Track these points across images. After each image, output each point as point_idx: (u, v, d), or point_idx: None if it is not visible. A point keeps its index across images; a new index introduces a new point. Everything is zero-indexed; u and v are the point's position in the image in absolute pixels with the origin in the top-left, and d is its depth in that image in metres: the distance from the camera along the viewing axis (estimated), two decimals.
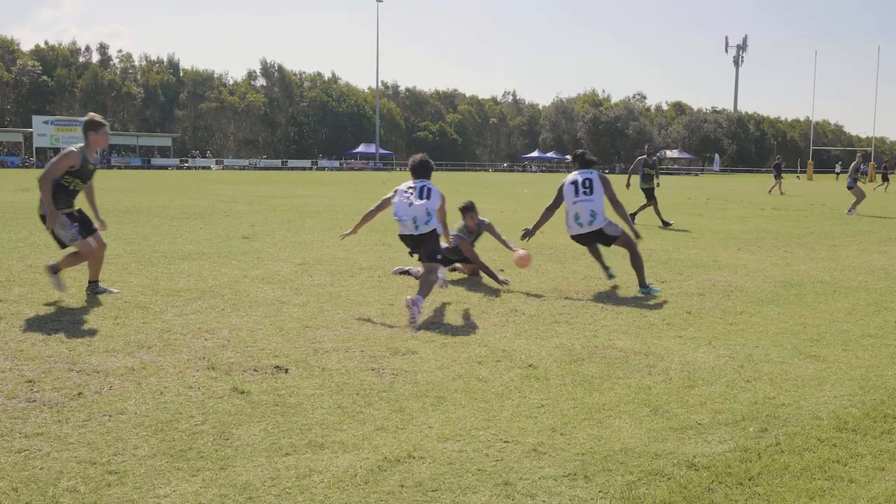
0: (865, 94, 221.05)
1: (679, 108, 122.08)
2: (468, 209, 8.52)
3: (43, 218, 6.68)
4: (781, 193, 32.58)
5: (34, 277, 7.83)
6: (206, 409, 4.07)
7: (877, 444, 3.77)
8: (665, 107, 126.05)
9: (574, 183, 7.96)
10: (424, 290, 6.61)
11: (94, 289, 7.01)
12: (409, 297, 6.30)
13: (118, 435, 3.67)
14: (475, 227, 8.55)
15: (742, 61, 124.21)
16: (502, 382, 4.66)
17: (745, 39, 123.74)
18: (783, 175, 35.23)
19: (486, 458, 3.49)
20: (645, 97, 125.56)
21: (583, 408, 4.22)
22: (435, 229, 6.97)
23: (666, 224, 15.81)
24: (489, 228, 8.64)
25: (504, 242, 8.77)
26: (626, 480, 3.28)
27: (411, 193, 6.95)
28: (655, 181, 16.85)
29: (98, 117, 6.90)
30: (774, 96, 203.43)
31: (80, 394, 4.25)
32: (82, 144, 6.82)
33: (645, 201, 16.64)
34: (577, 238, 8.14)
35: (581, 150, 8.60)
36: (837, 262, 10.44)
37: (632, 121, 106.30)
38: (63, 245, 6.84)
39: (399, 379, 4.68)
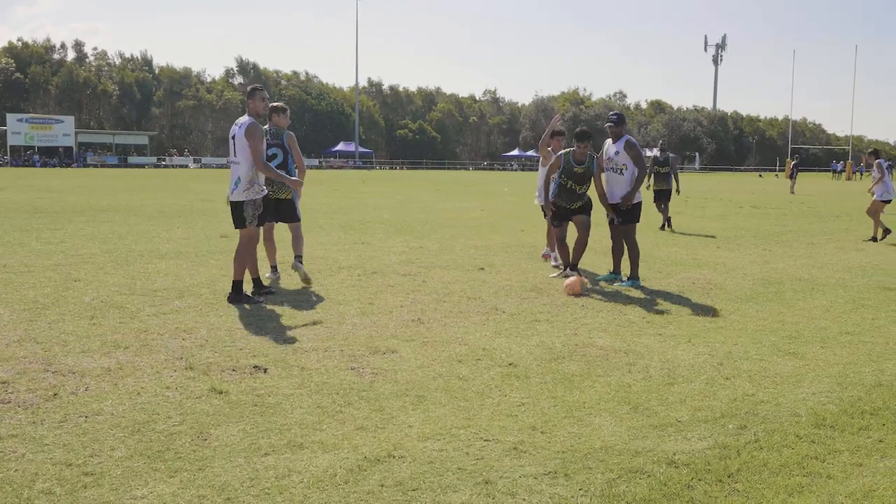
0: (843, 93, 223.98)
1: (658, 106, 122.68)
2: (584, 136, 8.15)
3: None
4: (791, 192, 32.69)
5: (8, 277, 7.72)
6: (183, 409, 4.02)
7: (854, 440, 3.81)
8: (644, 105, 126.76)
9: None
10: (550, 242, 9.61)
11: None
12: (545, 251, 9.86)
13: (94, 436, 3.62)
14: (583, 159, 8.17)
15: (721, 60, 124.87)
16: (482, 381, 4.65)
17: (723, 38, 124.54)
18: (797, 175, 35.42)
19: (466, 457, 3.48)
20: (625, 95, 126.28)
21: (563, 406, 4.22)
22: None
23: (666, 225, 14.72)
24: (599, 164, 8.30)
25: (602, 195, 8.34)
26: (607, 478, 3.28)
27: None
28: (674, 184, 14.99)
29: (278, 103, 8.12)
30: (753, 95, 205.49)
31: (55, 395, 4.19)
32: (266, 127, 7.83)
33: (659, 204, 14.93)
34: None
35: (617, 114, 8.48)
36: (815, 260, 10.54)
37: None
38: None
39: (379, 378, 4.66)
